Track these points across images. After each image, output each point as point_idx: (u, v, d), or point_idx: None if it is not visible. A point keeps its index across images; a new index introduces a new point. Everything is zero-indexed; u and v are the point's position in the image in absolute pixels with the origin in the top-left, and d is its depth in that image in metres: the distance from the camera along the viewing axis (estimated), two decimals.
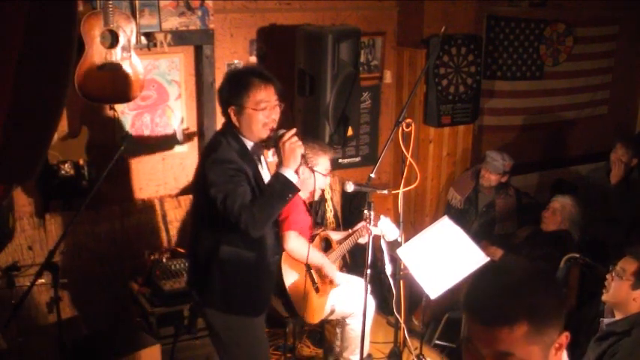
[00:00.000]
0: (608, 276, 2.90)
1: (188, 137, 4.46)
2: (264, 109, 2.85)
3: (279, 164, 2.88)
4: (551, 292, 1.43)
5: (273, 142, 2.91)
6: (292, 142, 2.82)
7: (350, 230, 3.87)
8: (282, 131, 2.89)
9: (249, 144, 2.92)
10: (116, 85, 3.78)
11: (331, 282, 3.71)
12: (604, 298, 2.91)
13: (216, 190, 2.78)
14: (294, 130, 2.88)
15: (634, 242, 4.38)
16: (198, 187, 2.97)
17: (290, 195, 2.82)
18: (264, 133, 2.89)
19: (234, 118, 2.87)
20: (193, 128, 4.46)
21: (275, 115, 2.90)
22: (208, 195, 2.81)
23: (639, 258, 2.82)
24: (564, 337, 1.43)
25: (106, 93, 3.80)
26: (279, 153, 2.88)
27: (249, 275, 2.98)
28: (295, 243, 3.52)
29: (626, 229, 4.83)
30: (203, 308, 3.11)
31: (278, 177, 2.82)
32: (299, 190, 2.90)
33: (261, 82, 2.86)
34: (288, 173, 2.81)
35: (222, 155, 2.84)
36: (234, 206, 2.74)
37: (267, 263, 3.06)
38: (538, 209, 4.74)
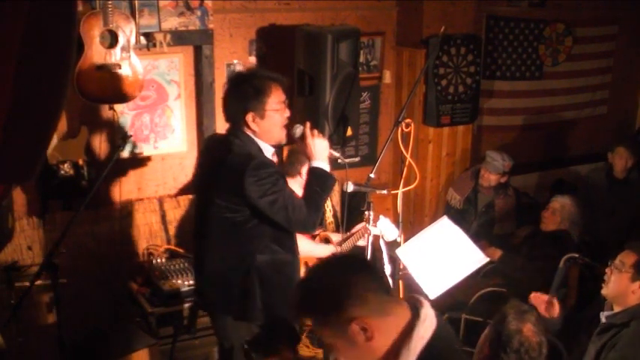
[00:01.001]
0: (607, 270, 2.91)
1: (187, 137, 4.46)
2: (283, 109, 2.89)
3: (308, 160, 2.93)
4: (331, 283, 1.63)
5: (298, 140, 2.96)
6: (317, 135, 2.91)
7: (349, 233, 3.87)
8: (298, 127, 2.94)
9: (265, 147, 2.91)
10: (115, 85, 3.78)
11: None
12: (603, 292, 2.93)
13: (266, 197, 2.75)
14: (309, 124, 2.95)
15: (634, 239, 4.38)
16: (224, 198, 2.86)
17: (332, 185, 2.92)
18: (283, 133, 2.92)
19: (252, 124, 2.84)
20: (193, 128, 4.46)
21: (287, 113, 2.94)
22: (253, 205, 2.78)
23: (638, 251, 2.84)
24: (362, 321, 1.58)
25: (106, 93, 3.80)
26: (303, 150, 2.93)
27: (288, 279, 2.96)
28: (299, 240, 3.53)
29: (626, 229, 4.83)
30: (225, 321, 3.05)
31: (316, 171, 2.88)
32: (336, 180, 2.97)
33: (276, 83, 2.88)
34: (323, 165, 2.88)
35: (262, 160, 2.82)
36: (288, 208, 2.76)
37: (299, 264, 3.09)
38: (537, 209, 4.73)
